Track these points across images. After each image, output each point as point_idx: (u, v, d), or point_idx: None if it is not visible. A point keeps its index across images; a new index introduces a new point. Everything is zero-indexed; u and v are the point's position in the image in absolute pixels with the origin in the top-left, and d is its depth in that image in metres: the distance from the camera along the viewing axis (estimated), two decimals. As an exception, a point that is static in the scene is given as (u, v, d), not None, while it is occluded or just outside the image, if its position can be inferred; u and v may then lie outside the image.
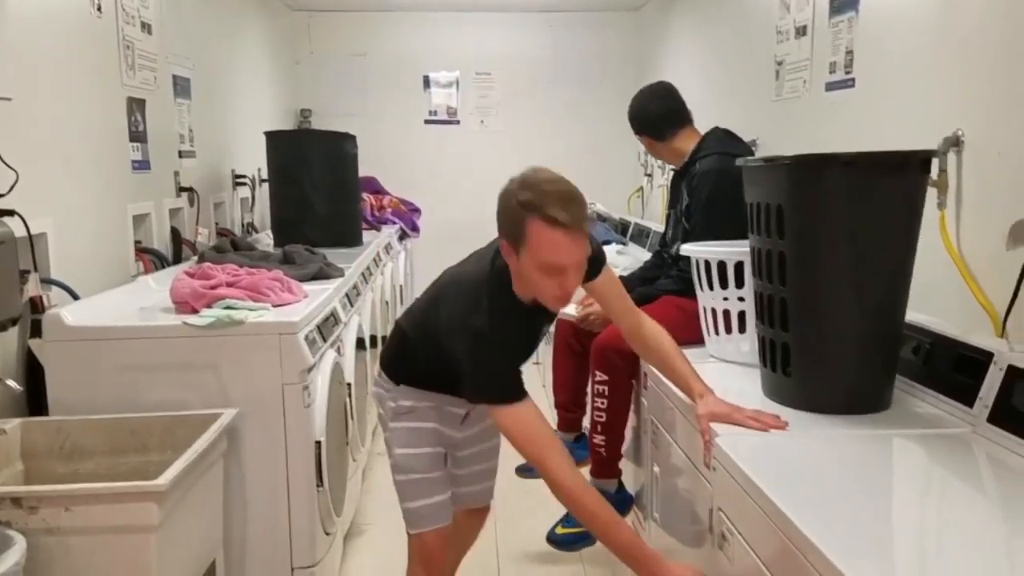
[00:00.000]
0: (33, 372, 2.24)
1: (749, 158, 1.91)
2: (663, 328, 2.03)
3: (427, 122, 6.22)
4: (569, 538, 2.59)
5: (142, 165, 3.13)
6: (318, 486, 2.38)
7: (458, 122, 6.23)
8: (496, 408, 1.81)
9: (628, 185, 5.99)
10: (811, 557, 1.18)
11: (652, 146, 2.79)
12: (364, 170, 5.07)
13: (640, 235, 5.04)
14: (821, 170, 1.71)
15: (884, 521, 1.35)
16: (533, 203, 1.71)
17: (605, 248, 5.17)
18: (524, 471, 3.08)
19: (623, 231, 5.47)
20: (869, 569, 1.13)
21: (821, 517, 1.28)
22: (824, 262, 1.73)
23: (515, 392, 1.79)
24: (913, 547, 1.28)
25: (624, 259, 4.53)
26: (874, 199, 1.67)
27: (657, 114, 2.75)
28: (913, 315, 2.01)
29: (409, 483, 2.08)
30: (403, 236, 5.60)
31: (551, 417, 3.00)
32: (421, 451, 2.07)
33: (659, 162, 5.18)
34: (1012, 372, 1.60)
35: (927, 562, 1.24)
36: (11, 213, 2.11)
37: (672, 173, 2.86)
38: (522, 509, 3.44)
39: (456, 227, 5.39)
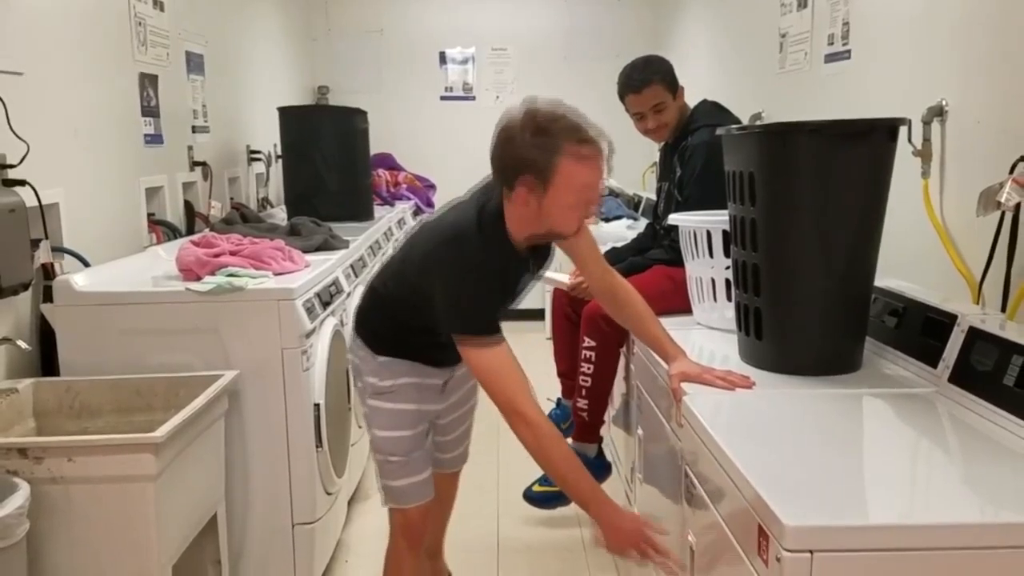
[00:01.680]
0: (45, 335, 2.35)
1: (727, 127, 1.95)
2: (638, 292, 2.06)
3: (443, 98, 6.27)
4: (544, 496, 2.67)
5: (155, 139, 3.23)
6: (317, 447, 2.47)
7: (474, 98, 6.28)
8: (470, 348, 1.77)
9: (642, 160, 6.01)
10: (755, 505, 1.24)
11: (662, 103, 2.68)
12: (380, 146, 5.15)
13: (652, 210, 5.07)
14: (789, 138, 1.76)
15: (841, 476, 1.39)
16: (559, 144, 1.68)
17: (616, 223, 5.23)
18: None
19: (635, 206, 5.51)
20: (807, 515, 1.19)
21: (772, 469, 1.34)
22: (793, 228, 1.78)
23: (491, 328, 1.76)
24: (871, 500, 1.32)
25: (634, 234, 4.56)
26: (840, 166, 1.71)
27: (673, 70, 2.72)
28: (892, 281, 2.06)
29: (391, 464, 2.06)
30: (418, 212, 5.67)
31: (555, 389, 3.08)
32: (403, 434, 2.04)
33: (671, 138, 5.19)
34: (972, 333, 1.64)
35: (872, 511, 1.29)
36: (22, 183, 2.21)
37: (663, 146, 2.90)
38: (523, 475, 3.53)
39: (470, 202, 5.46)
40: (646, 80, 2.69)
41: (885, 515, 1.23)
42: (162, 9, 3.30)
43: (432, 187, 5.89)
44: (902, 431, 1.58)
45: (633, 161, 6.03)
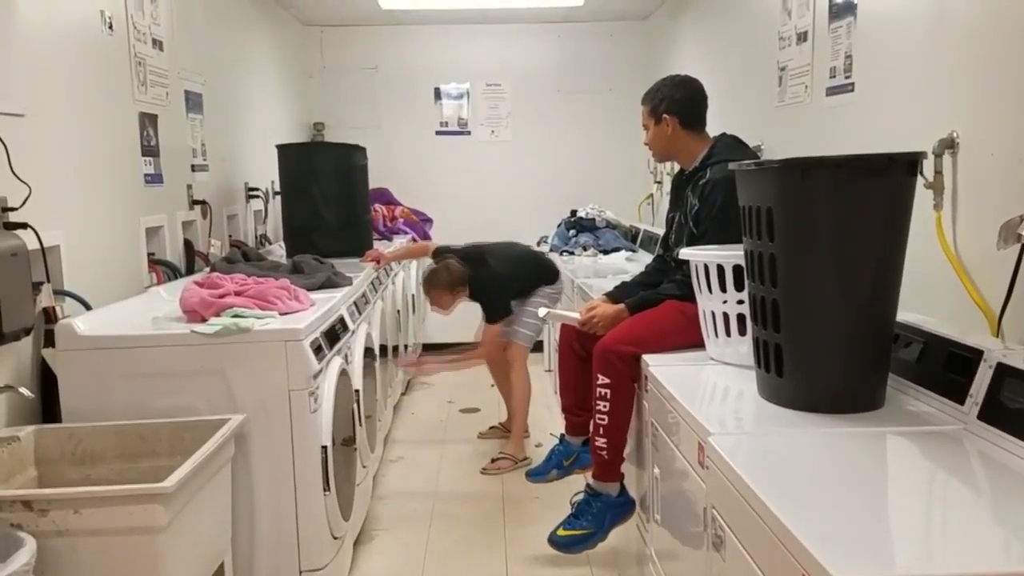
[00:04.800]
0: (47, 381, 2.30)
1: (741, 162, 1.93)
2: None
3: (438, 133, 6.28)
4: (570, 540, 2.62)
5: (155, 179, 3.20)
6: (325, 490, 2.42)
7: (469, 133, 6.28)
8: None
9: (637, 192, 6.02)
10: (799, 556, 1.20)
11: (673, 132, 2.66)
12: (376, 181, 5.14)
13: (650, 242, 5.07)
14: (808, 173, 1.74)
15: (873, 518, 1.36)
16: None
17: (614, 255, 5.23)
18: (533, 476, 3.12)
19: (633, 238, 5.50)
20: (855, 566, 1.15)
21: (808, 514, 1.30)
22: (813, 263, 1.76)
23: None
24: (902, 544, 1.29)
25: (633, 265, 4.56)
26: (861, 201, 1.70)
27: (698, 102, 2.71)
28: (909, 315, 2.03)
29: None
30: (415, 246, 5.65)
31: (556, 422, 3.04)
32: None
33: (668, 169, 5.20)
34: (1001, 370, 1.61)
35: (913, 559, 1.25)
36: (24, 226, 2.17)
37: (675, 175, 2.88)
38: (530, 513, 3.47)
39: (467, 236, 5.44)
40: (643, 99, 2.76)
41: (936, 566, 1.19)
42: (161, 49, 3.29)
43: (429, 221, 5.88)
44: (935, 472, 1.55)
45: (630, 193, 6.05)
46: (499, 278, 4.02)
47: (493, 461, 3.99)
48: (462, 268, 4.00)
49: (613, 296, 2.72)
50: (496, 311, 4.03)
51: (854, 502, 1.40)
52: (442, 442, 4.47)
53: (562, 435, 3.05)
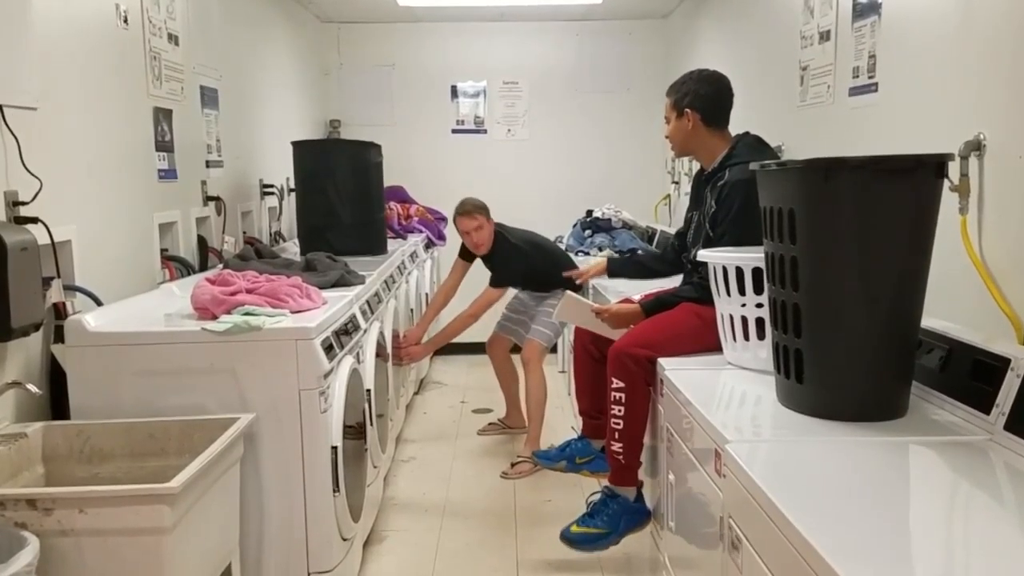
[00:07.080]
0: (56, 377, 2.28)
1: (762, 162, 1.88)
2: None
3: (455, 131, 6.25)
4: (583, 537, 2.57)
5: (168, 174, 3.19)
6: (335, 491, 2.39)
7: (485, 131, 6.25)
8: None
9: (655, 193, 5.97)
10: (819, 569, 1.16)
11: (694, 127, 2.61)
12: (392, 179, 5.12)
13: (666, 243, 5.02)
14: (832, 174, 1.69)
15: (895, 531, 1.32)
16: None
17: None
18: (540, 457, 3.12)
19: (649, 239, 5.45)
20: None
21: (829, 526, 1.27)
22: (836, 267, 1.71)
23: None
24: (925, 558, 1.25)
25: (650, 266, 4.50)
26: (886, 203, 1.65)
27: (723, 99, 2.65)
28: (933, 321, 1.98)
29: None
30: (429, 244, 5.63)
31: (572, 421, 3.01)
32: None
33: (685, 169, 5.15)
34: (1029, 379, 1.56)
35: (935, 574, 1.21)
36: (34, 220, 2.16)
37: (695, 174, 2.83)
38: (542, 516, 3.44)
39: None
40: (667, 90, 2.71)
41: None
42: (177, 43, 3.28)
43: (443, 219, 5.85)
44: (959, 484, 1.50)
45: (646, 194, 5.99)
46: (517, 248, 4.29)
47: (513, 465, 3.95)
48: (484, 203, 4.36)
49: (614, 263, 2.98)
50: (504, 275, 4.29)
51: (876, 513, 1.35)
52: (454, 442, 4.44)
53: (581, 435, 3.01)
